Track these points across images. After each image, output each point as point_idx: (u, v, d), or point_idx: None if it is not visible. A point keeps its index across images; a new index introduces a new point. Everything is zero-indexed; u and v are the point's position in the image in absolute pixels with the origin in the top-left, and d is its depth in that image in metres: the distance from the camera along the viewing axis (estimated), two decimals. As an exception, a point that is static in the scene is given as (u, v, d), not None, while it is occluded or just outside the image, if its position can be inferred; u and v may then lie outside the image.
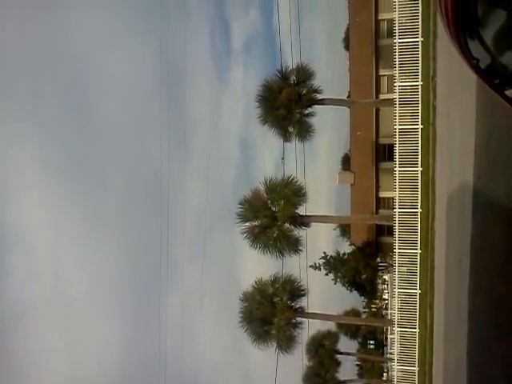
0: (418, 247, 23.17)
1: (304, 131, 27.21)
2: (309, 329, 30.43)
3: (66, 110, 62.71)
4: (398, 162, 23.91)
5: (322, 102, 27.27)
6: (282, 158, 27.49)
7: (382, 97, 32.06)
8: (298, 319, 27.71)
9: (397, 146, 23.94)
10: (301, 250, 26.30)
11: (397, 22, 24.21)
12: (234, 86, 71.45)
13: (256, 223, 25.51)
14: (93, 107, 63.71)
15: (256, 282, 26.88)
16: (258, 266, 33.20)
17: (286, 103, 26.26)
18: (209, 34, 76.10)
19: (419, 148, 23.17)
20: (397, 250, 24.24)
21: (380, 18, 32.73)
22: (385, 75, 31.94)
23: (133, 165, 62.16)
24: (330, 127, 44.90)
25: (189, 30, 65.66)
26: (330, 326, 37.00)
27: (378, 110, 32.65)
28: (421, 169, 23.15)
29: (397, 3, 24.11)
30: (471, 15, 2.40)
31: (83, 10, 59.53)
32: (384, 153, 31.90)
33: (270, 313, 26.43)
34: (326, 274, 40.31)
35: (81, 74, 63.22)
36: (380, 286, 43.67)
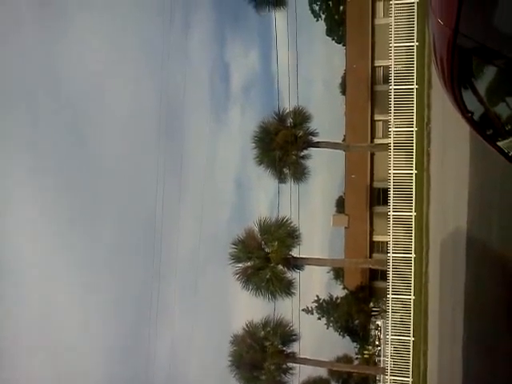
0: (412, 293, 22.96)
1: (299, 173, 27.40)
2: (300, 375, 29.69)
3: (60, 144, 62.90)
4: (392, 207, 23.97)
5: (317, 144, 27.57)
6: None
7: (376, 141, 32.44)
8: (289, 364, 27.09)
9: (391, 190, 24.07)
10: (293, 293, 25.97)
11: (392, 69, 24.75)
12: (231, 127, 72.24)
13: (249, 264, 25.28)
14: (89, 144, 64.00)
15: (247, 325, 26.40)
16: (249, 307, 32.69)
17: (282, 145, 26.52)
18: (208, 75, 77.48)
19: (413, 193, 23.29)
20: (390, 296, 24.00)
21: (376, 64, 33.46)
22: (380, 120, 32.43)
23: (126, 203, 62.05)
24: (325, 169, 45.19)
25: (189, 71, 66.76)
26: (322, 372, 36.19)
27: (372, 154, 32.96)
28: (415, 214, 23.20)
29: (392, 51, 24.71)
30: (466, 69, 2.44)
31: (86, 45, 60.63)
32: (378, 197, 32.00)
33: (261, 357, 25.86)
34: (319, 319, 39.77)
35: (79, 109, 63.80)
36: (373, 332, 42.97)
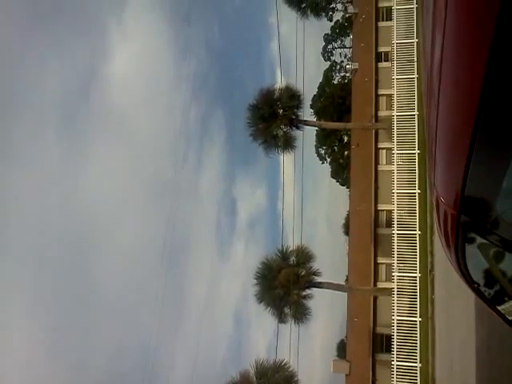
0: None
1: (300, 313, 26.60)
2: None
3: (62, 268, 62.59)
4: (395, 356, 22.86)
5: (320, 285, 27.14)
6: None
7: (379, 285, 31.90)
8: None
9: (395, 338, 23.13)
10: None
11: (395, 214, 25.18)
12: (234, 262, 72.24)
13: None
14: (90, 270, 63.72)
15: None
16: None
17: (284, 283, 26.10)
18: (215, 210, 79.40)
19: (418, 342, 22.33)
20: None
21: (379, 208, 34.12)
22: (383, 263, 32.19)
23: (121, 334, 59.96)
24: (327, 311, 44.17)
25: (197, 204, 68.59)
26: None
27: (375, 298, 32.25)
28: (420, 365, 22.03)
29: (395, 197, 25.34)
30: (470, 244, 2.41)
31: (99, 170, 63.02)
32: (381, 343, 30.66)
33: None
34: None
35: (85, 234, 64.48)
36: None
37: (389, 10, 30.76)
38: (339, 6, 47.04)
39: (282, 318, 26.86)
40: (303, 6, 31.44)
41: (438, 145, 2.17)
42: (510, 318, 2.73)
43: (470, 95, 1.60)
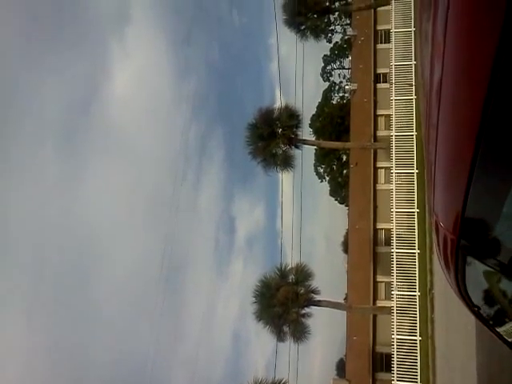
0: None
1: (299, 332, 26.52)
2: None
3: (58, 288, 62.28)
4: (395, 376, 22.80)
5: (319, 303, 27.13)
6: None
7: (379, 303, 31.87)
8: None
9: (394, 356, 23.10)
10: None
11: (394, 232, 25.32)
12: (232, 280, 72.04)
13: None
14: (87, 289, 63.43)
15: None
16: None
17: (283, 301, 26.09)
18: (214, 228, 79.34)
19: (418, 361, 22.30)
20: None
21: (378, 226, 34.25)
22: (382, 282, 32.21)
23: (118, 352, 59.44)
24: (326, 329, 43.94)
25: (195, 222, 68.58)
26: None
27: (375, 316, 32.18)
28: (420, 384, 21.99)
29: (394, 216, 25.50)
30: (471, 269, 2.42)
31: (98, 189, 63.12)
32: (381, 362, 30.52)
33: None
34: None
35: (83, 252, 64.40)
36: None
37: (387, 32, 31.31)
38: (338, 28, 47.81)
39: (280, 337, 26.76)
40: (303, 27, 31.96)
41: (437, 170, 2.15)
42: (510, 340, 2.70)
43: (470, 120, 1.59)
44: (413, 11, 27.23)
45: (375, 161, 33.22)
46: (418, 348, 22.36)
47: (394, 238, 25.16)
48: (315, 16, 32.50)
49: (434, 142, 2.03)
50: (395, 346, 23.18)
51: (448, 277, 2.70)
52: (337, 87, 50.36)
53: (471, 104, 1.55)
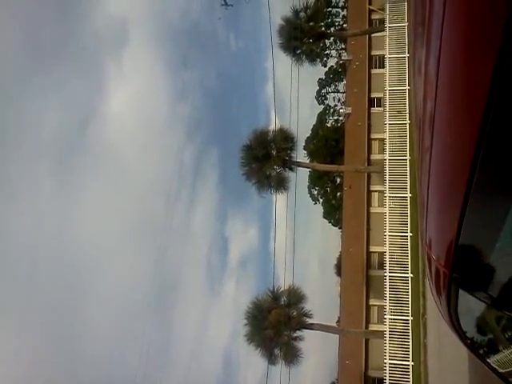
0: None
1: (291, 355, 26.28)
2: None
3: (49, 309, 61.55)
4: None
5: (311, 326, 26.95)
6: None
7: (371, 327, 31.73)
8: None
9: (387, 381, 22.94)
10: None
11: (387, 256, 25.34)
12: (224, 301, 71.50)
13: None
14: (78, 306, 62.71)
15: None
16: None
17: (275, 324, 25.91)
18: (207, 248, 79.15)
19: (410, 387, 22.16)
20: None
21: (371, 250, 34.27)
22: (375, 305, 32.12)
23: (107, 373, 58.59)
24: (318, 352, 43.55)
25: (188, 243, 68.34)
26: None
27: (367, 340, 32.00)
28: (412, 410, 21.80)
29: (387, 239, 25.55)
30: (463, 302, 2.43)
31: (91, 207, 62.86)
32: (373, 387, 30.27)
33: None
34: None
35: (75, 270, 63.80)
36: None
37: (381, 58, 31.80)
38: (333, 53, 48.50)
39: (272, 360, 26.51)
40: (298, 52, 32.37)
41: (429, 203, 2.11)
42: (500, 372, 2.76)
43: (464, 153, 1.55)
44: (406, 38, 27.71)
45: (369, 184, 33.41)
46: (411, 373, 22.22)
47: (387, 262, 25.17)
48: (311, 41, 32.94)
49: (427, 175, 2.00)
50: (387, 371, 23.01)
51: (440, 308, 2.69)
52: (331, 110, 50.87)
53: (464, 137, 1.52)
